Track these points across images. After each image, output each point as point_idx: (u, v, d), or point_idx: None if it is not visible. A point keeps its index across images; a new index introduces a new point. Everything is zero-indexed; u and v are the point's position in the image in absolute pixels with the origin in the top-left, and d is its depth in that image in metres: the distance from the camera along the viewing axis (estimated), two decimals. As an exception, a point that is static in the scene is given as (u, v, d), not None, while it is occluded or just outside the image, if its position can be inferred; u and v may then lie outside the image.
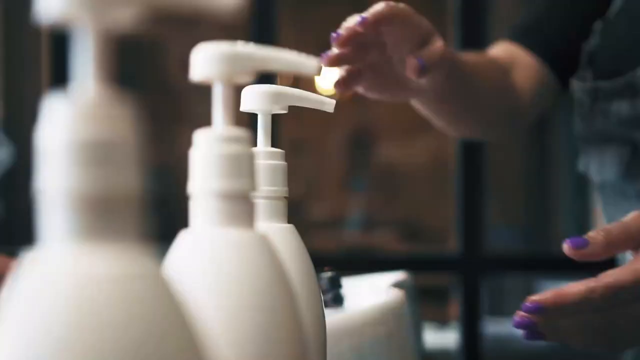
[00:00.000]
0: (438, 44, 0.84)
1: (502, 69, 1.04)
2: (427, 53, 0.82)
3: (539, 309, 0.66)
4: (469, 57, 1.03)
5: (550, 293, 0.67)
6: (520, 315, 0.66)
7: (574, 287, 0.67)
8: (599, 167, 0.99)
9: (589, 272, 0.69)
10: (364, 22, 0.79)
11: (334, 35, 0.80)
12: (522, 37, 1.08)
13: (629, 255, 0.95)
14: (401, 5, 0.83)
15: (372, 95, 0.89)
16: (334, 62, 0.81)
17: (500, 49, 1.09)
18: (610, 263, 1.01)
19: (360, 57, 0.84)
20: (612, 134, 0.95)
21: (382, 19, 0.81)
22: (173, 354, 0.29)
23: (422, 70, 0.81)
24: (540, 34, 1.06)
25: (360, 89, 0.88)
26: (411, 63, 0.81)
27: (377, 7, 0.81)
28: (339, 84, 0.84)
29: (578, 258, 0.68)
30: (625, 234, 0.69)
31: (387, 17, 0.81)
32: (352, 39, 0.80)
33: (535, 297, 0.66)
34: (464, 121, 1.06)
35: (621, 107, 0.93)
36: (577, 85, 0.98)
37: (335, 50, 0.80)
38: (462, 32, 2.06)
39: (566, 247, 0.68)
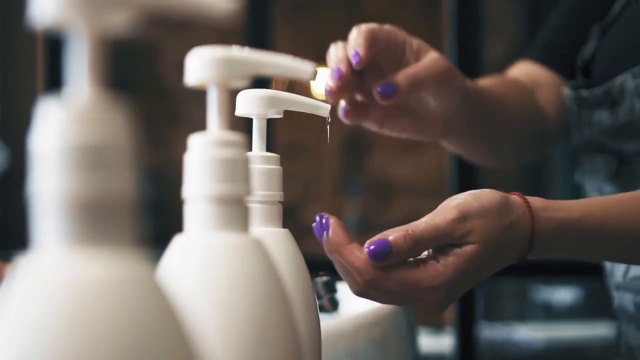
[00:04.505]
0: (422, 63, 0.82)
1: (526, 89, 1.03)
2: (402, 73, 0.81)
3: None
4: (487, 81, 1.01)
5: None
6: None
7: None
8: (591, 177, 0.98)
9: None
10: (359, 60, 0.78)
11: (334, 72, 0.79)
12: (542, 55, 1.07)
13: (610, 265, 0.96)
14: (375, 25, 0.81)
15: (388, 131, 0.88)
16: (337, 94, 0.80)
17: (521, 69, 1.08)
18: (598, 268, 1.01)
19: (361, 83, 0.83)
20: (599, 143, 0.95)
21: (370, 45, 0.79)
22: (166, 357, 0.28)
23: (385, 95, 0.80)
24: (559, 51, 1.05)
25: (373, 126, 0.86)
26: (374, 90, 0.80)
27: (360, 35, 0.80)
28: (348, 115, 0.84)
29: (378, 265, 0.66)
30: (433, 239, 0.67)
31: (371, 41, 0.79)
32: (350, 74, 0.79)
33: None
34: (497, 149, 1.03)
35: (602, 117, 0.92)
36: (567, 93, 0.98)
37: (334, 84, 0.80)
38: (457, 39, 2.07)
39: (366, 253, 0.66)
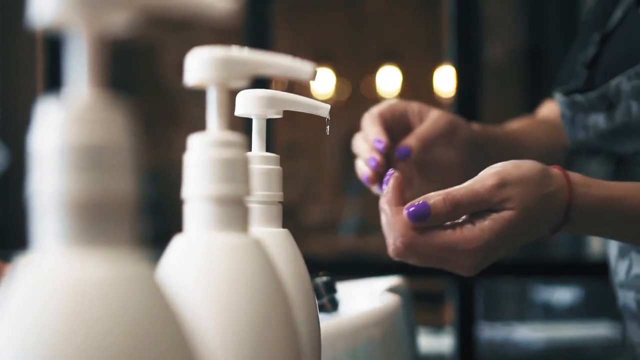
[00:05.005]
0: (426, 123, 0.92)
1: (554, 127, 1.07)
2: (412, 136, 0.91)
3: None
4: (515, 123, 1.08)
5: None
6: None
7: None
8: None
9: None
10: (383, 147, 0.89)
11: (370, 161, 0.89)
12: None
13: (613, 249, 0.96)
14: (381, 106, 0.93)
15: (419, 188, 0.96)
16: (375, 180, 0.90)
17: (549, 108, 1.13)
18: (603, 267, 1.01)
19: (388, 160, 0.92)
20: (594, 146, 0.96)
21: (385, 129, 0.90)
22: (166, 357, 0.28)
23: (403, 157, 0.90)
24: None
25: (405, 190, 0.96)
26: (394, 157, 0.91)
27: (374, 123, 0.91)
28: (373, 181, 0.91)
29: (416, 226, 0.70)
30: (472, 204, 0.70)
31: (384, 124, 0.91)
32: (383, 160, 0.89)
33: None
34: None
35: (598, 120, 0.94)
36: (559, 98, 0.99)
37: (372, 172, 0.90)
38: (457, 39, 2.07)
39: (405, 215, 0.70)
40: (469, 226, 0.70)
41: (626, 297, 0.96)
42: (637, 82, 0.88)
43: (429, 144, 0.91)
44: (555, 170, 0.74)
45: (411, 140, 0.90)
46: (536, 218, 0.71)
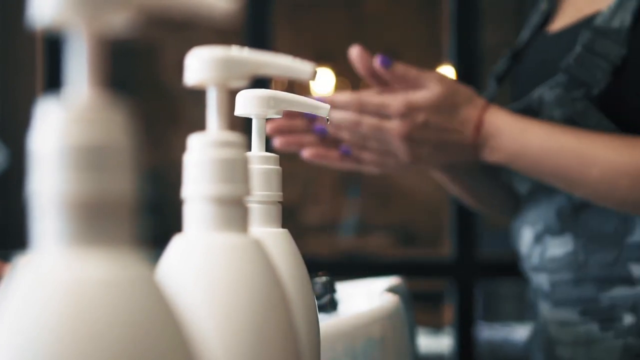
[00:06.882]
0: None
1: None
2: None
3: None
4: None
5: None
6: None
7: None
8: (517, 180, 1.10)
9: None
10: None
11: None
12: None
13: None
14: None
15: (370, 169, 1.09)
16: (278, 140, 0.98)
17: None
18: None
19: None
20: None
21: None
22: (165, 358, 0.28)
23: (384, 63, 1.04)
24: None
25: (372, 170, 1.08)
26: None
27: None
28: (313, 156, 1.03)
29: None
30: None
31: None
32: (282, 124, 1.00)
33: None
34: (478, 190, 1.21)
35: None
36: None
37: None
38: (457, 40, 2.07)
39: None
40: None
41: (539, 279, 1.08)
42: (558, 91, 0.98)
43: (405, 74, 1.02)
44: (480, 98, 0.98)
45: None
46: (446, 115, 0.95)
